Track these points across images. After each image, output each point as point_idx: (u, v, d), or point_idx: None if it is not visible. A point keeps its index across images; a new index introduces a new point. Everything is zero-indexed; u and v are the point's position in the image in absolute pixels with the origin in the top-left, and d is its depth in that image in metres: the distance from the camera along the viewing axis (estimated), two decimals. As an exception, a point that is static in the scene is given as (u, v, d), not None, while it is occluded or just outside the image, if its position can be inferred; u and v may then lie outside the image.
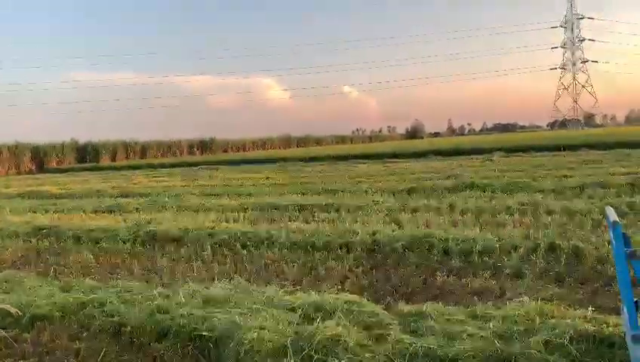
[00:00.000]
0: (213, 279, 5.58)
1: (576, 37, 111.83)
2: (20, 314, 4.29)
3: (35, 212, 12.45)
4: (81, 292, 5.03)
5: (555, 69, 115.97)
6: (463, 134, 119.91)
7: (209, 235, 7.68)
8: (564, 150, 25.70)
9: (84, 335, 4.18)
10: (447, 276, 5.46)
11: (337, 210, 9.70)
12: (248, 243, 7.22)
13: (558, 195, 10.18)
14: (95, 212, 11.81)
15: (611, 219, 2.77)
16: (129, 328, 4.16)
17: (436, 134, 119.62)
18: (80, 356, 3.85)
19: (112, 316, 4.37)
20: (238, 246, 7.14)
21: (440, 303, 4.34)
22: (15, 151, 42.44)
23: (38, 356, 3.90)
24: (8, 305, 4.22)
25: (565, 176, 13.37)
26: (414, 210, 9.28)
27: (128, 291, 5.02)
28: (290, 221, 8.86)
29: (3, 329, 4.32)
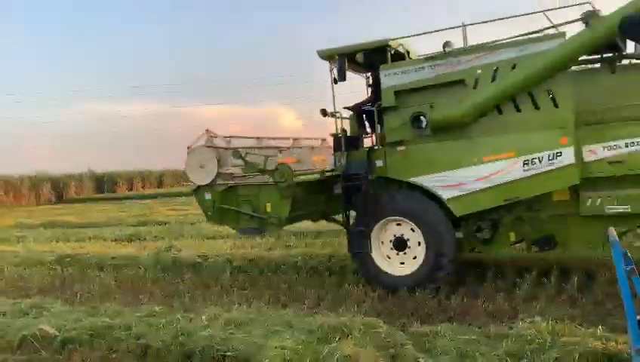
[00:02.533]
0: (233, 303, 5.76)
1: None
2: (58, 333, 4.51)
3: (57, 241, 12.77)
4: (107, 317, 5.25)
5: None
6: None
7: (227, 261, 7.89)
8: None
9: (113, 356, 4.38)
10: (462, 299, 5.57)
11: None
12: (266, 268, 7.41)
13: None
14: (115, 240, 12.09)
15: (611, 239, 2.92)
16: (155, 350, 4.35)
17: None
18: (109, 376, 4.04)
19: (138, 338, 4.58)
20: (256, 271, 7.33)
21: (454, 324, 4.48)
22: (35, 181, 43.44)
23: (69, 377, 4.10)
24: (47, 326, 4.44)
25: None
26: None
27: (152, 315, 5.23)
28: (306, 246, 9.03)
29: (36, 352, 4.55)
